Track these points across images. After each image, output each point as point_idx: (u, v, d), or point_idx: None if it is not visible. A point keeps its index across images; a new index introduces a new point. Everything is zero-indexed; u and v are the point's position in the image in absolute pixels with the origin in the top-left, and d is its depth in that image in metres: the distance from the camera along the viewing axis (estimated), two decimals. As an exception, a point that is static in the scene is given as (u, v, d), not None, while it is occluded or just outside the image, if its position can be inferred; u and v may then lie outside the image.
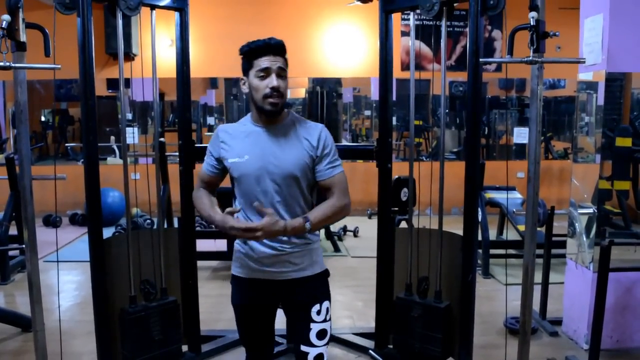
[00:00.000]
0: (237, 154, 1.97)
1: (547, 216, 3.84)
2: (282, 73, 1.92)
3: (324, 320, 2.04)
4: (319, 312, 2.03)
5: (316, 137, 1.98)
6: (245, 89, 1.98)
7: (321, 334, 2.03)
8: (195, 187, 2.16)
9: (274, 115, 1.95)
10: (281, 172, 1.93)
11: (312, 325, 2.02)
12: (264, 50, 1.90)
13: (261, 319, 2.11)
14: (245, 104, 8.02)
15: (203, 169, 2.11)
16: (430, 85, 7.20)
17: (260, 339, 2.16)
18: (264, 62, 1.90)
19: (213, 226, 2.02)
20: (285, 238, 1.96)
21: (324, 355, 2.04)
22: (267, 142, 1.96)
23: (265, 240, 1.94)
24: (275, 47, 1.91)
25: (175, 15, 2.98)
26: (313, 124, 2.04)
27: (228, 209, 1.91)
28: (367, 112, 8.27)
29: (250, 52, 1.93)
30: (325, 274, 2.11)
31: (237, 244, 2.06)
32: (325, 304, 2.06)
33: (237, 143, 1.99)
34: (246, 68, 1.96)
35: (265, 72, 1.90)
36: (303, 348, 2.03)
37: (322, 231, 5.99)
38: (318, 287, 2.07)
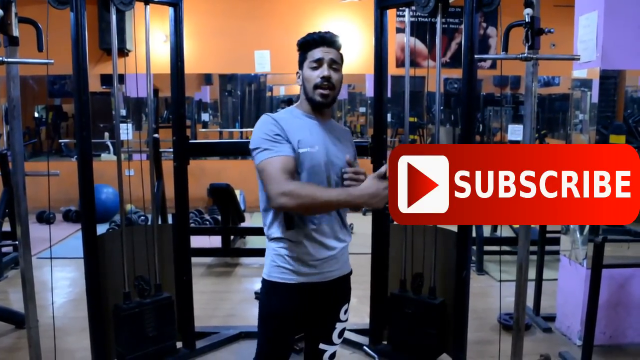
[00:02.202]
0: (307, 143, 1.83)
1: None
2: (334, 65, 1.89)
3: (346, 320, 2.03)
4: (345, 312, 2.01)
5: (350, 136, 2.06)
6: (299, 81, 1.95)
7: (342, 333, 2.03)
8: (280, 184, 1.72)
9: (323, 107, 1.92)
10: (340, 166, 1.90)
11: (338, 324, 2.00)
12: (318, 42, 1.90)
13: (296, 328, 1.99)
14: (239, 101, 7.99)
15: (281, 154, 1.77)
16: (425, 82, 7.22)
17: (289, 350, 2.00)
18: (317, 52, 1.89)
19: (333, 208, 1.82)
20: (335, 243, 1.90)
21: (336, 352, 2.04)
22: (326, 135, 1.91)
23: (324, 240, 1.86)
24: (330, 40, 1.90)
25: (170, 10, 2.97)
26: (342, 126, 2.11)
27: (376, 173, 1.73)
28: (362, 109, 8.27)
29: (305, 44, 1.92)
30: (351, 272, 2.06)
31: (281, 249, 1.87)
32: (349, 303, 2.05)
33: (301, 133, 1.85)
34: (301, 61, 1.94)
35: (318, 63, 1.88)
36: (322, 346, 1.99)
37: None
38: (348, 285, 2.04)
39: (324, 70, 1.86)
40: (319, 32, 1.92)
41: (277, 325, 1.93)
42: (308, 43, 1.91)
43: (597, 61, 3.22)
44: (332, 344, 2.00)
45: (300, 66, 1.95)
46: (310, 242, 1.85)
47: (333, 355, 2.03)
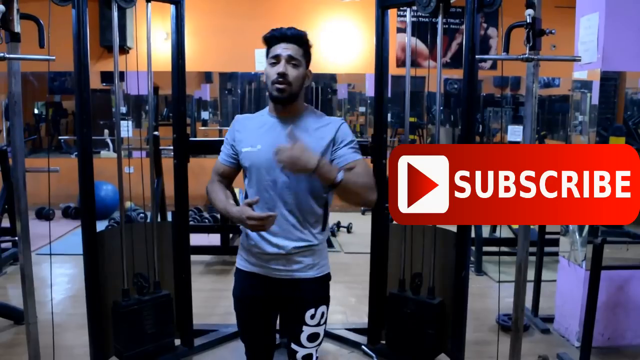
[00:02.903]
0: (250, 143, 1.94)
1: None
2: (293, 61, 1.89)
3: (317, 325, 2.00)
4: (312, 317, 1.98)
5: (334, 130, 1.92)
6: (264, 78, 1.97)
7: (312, 337, 2.00)
8: (210, 180, 2.07)
9: (281, 102, 1.91)
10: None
11: (305, 327, 1.98)
12: (278, 38, 1.90)
13: (259, 314, 2.06)
14: (239, 99, 7.99)
15: (219, 159, 2.06)
16: (425, 82, 7.21)
17: (258, 335, 2.10)
18: (276, 49, 1.90)
19: (229, 221, 2.01)
20: (285, 242, 1.91)
21: (312, 355, 2.02)
22: (280, 132, 1.89)
23: (270, 238, 1.91)
24: (289, 36, 1.90)
25: (171, 8, 2.96)
26: (333, 118, 2.00)
27: (246, 200, 1.86)
28: (362, 109, 8.26)
29: (268, 40, 1.93)
30: (327, 277, 2.04)
31: (242, 237, 2.02)
32: (322, 308, 2.00)
33: (251, 132, 1.96)
34: (266, 57, 1.95)
35: (276, 59, 1.89)
36: (293, 346, 2.00)
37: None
38: (316, 291, 2.00)
39: (280, 67, 1.87)
40: (281, 29, 1.92)
41: (238, 307, 2.08)
42: (270, 39, 1.93)
43: (598, 63, 3.22)
44: (301, 346, 1.99)
45: (266, 63, 1.96)
46: (258, 237, 1.93)
47: (308, 357, 2.01)
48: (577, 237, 3.42)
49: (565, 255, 3.57)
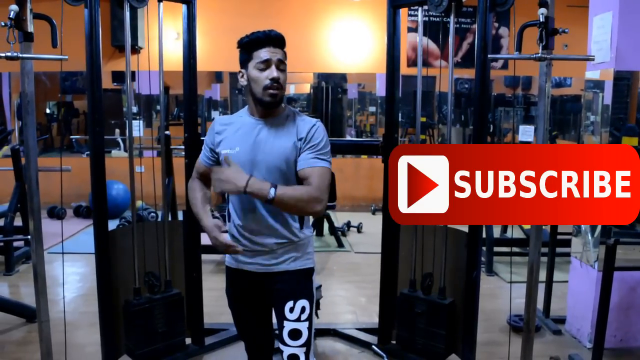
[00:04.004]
0: (229, 145, 1.95)
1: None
2: (281, 65, 1.90)
3: (298, 320, 1.95)
4: (291, 310, 1.95)
5: (306, 130, 1.92)
6: (243, 81, 1.95)
7: (294, 334, 1.95)
8: (191, 177, 2.14)
9: (273, 106, 1.93)
10: (267, 164, 1.90)
11: (285, 323, 1.96)
12: (264, 41, 1.89)
13: (249, 310, 2.10)
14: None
15: (199, 159, 2.11)
16: (436, 82, 7.18)
17: (252, 331, 2.13)
18: (264, 53, 1.88)
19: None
20: (267, 240, 1.96)
21: (299, 356, 1.95)
22: (259, 134, 1.93)
23: (252, 237, 1.96)
24: (276, 39, 1.90)
25: (183, 7, 2.97)
26: (308, 118, 1.99)
27: (218, 223, 1.92)
28: (372, 109, 8.25)
29: (250, 44, 1.91)
30: (309, 271, 2.03)
31: (228, 235, 2.01)
32: (302, 302, 1.97)
33: (231, 134, 1.98)
34: (245, 60, 1.93)
35: (266, 64, 1.88)
36: (279, 345, 2.00)
37: (326, 226, 5.99)
38: (295, 283, 1.98)
39: (273, 72, 1.87)
40: (264, 31, 1.90)
41: (231, 304, 2.14)
42: (253, 42, 1.90)
43: (611, 62, 3.19)
44: (284, 343, 1.95)
45: (244, 65, 1.93)
46: (240, 236, 1.98)
47: (292, 357, 1.95)
48: (590, 237, 3.40)
49: (577, 256, 3.55)
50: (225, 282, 2.14)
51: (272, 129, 1.94)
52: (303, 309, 1.97)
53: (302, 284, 2.00)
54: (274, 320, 2.11)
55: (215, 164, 2.03)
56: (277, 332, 2.03)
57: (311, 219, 2.10)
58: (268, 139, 1.93)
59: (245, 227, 1.96)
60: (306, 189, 1.86)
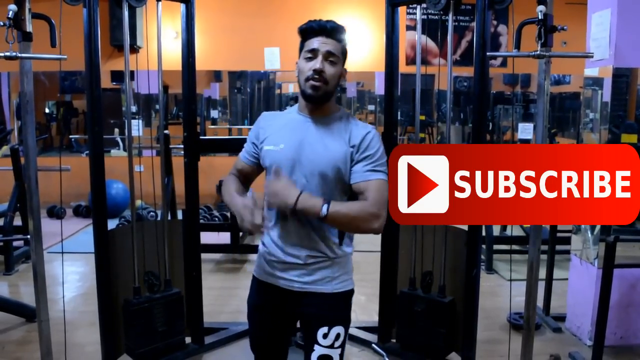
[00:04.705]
0: (273, 141, 1.81)
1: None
2: (331, 57, 1.73)
3: (331, 346, 1.80)
4: (325, 336, 1.79)
5: (360, 137, 1.75)
6: (296, 72, 1.81)
7: (324, 359, 1.81)
8: (229, 172, 1.95)
9: (314, 100, 1.76)
10: (312, 166, 1.74)
11: (316, 347, 1.80)
12: (316, 31, 1.75)
13: (270, 326, 1.90)
14: (249, 98, 7.99)
15: (240, 156, 1.94)
16: (434, 80, 7.18)
17: (267, 347, 1.96)
18: (313, 42, 1.74)
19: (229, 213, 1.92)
20: (300, 252, 1.78)
21: None
22: (307, 132, 1.78)
23: (285, 246, 1.80)
24: (330, 30, 1.75)
25: (181, 7, 2.97)
26: (362, 123, 1.82)
27: (247, 203, 1.70)
28: (371, 107, 8.25)
29: (304, 32, 1.78)
30: (348, 294, 1.86)
31: (260, 244, 1.90)
32: (337, 329, 1.80)
33: (276, 130, 1.82)
34: (299, 50, 1.80)
35: (312, 54, 1.74)
36: None
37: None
38: (332, 308, 1.82)
39: (317, 63, 1.72)
40: (320, 21, 1.76)
41: (250, 316, 1.95)
42: (306, 31, 1.77)
43: (610, 59, 3.19)
44: None
45: (299, 55, 1.81)
46: (272, 243, 1.83)
47: None
48: (589, 235, 3.40)
49: (577, 254, 3.55)
50: (249, 291, 1.97)
51: (321, 129, 1.78)
52: (338, 336, 1.81)
53: (339, 310, 1.84)
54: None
55: (256, 162, 1.88)
56: (305, 351, 1.87)
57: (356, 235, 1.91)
58: (316, 139, 1.77)
59: (279, 235, 1.81)
60: (362, 205, 1.70)
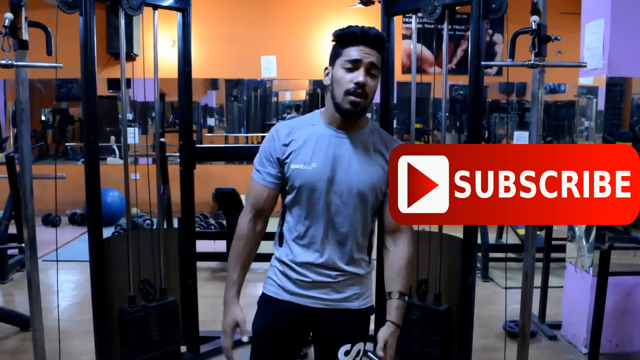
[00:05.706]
0: (302, 159, 1.63)
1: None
2: (373, 70, 1.59)
3: None
4: (347, 353, 1.71)
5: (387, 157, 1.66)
6: (327, 80, 1.65)
7: None
8: (243, 213, 1.73)
9: (352, 116, 1.63)
10: (350, 186, 1.63)
11: None
12: (359, 39, 1.59)
13: (283, 349, 1.78)
14: (246, 106, 8.01)
15: (258, 182, 1.69)
16: (430, 88, 7.23)
17: None
18: (355, 52, 1.58)
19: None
20: (331, 271, 1.69)
21: None
22: (340, 149, 1.64)
23: (315, 266, 1.68)
24: (375, 39, 1.60)
25: (178, 15, 2.98)
26: (394, 139, 1.75)
27: (240, 319, 1.70)
28: (367, 115, 8.26)
29: (343, 38, 1.62)
30: (370, 311, 1.80)
31: (276, 262, 1.76)
32: (358, 345, 1.74)
33: (302, 146, 1.65)
34: (334, 55, 1.63)
35: (354, 65, 1.58)
36: None
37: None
38: (356, 325, 1.76)
39: (360, 75, 1.57)
40: (363, 27, 1.61)
41: (259, 340, 1.81)
42: (346, 37, 1.61)
43: (604, 68, 3.21)
44: None
45: (332, 62, 1.64)
46: (298, 265, 1.70)
47: None
48: (584, 243, 3.41)
49: (572, 262, 3.56)
50: (256, 313, 1.82)
51: (356, 145, 1.66)
52: (358, 353, 1.75)
53: (362, 326, 1.78)
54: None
55: (281, 185, 1.69)
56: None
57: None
58: (352, 157, 1.64)
59: (312, 255, 1.68)
60: (409, 258, 1.73)
